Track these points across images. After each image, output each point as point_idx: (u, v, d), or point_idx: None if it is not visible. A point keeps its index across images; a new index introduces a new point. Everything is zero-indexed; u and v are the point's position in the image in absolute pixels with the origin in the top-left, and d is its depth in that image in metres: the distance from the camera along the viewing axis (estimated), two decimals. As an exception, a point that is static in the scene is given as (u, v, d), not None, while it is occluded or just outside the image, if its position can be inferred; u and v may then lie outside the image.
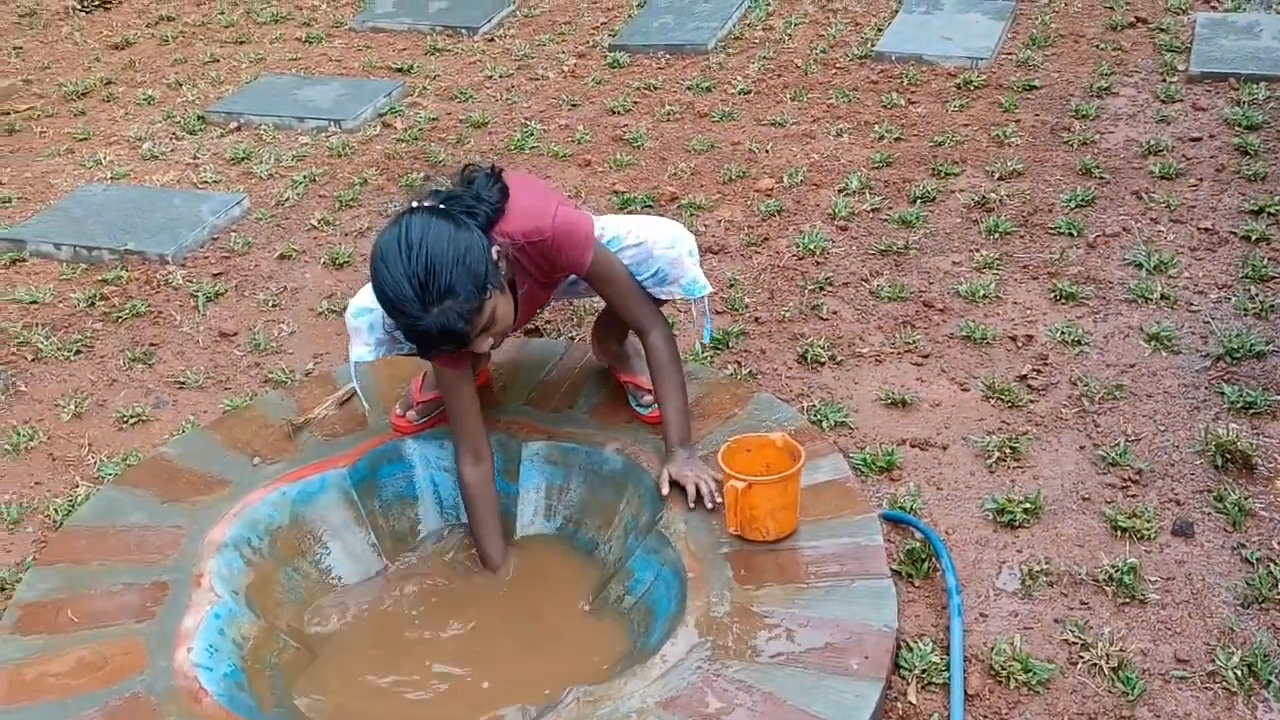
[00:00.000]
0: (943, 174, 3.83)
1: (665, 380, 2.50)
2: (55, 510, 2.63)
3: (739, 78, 4.69)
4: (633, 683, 2.06)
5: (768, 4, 5.41)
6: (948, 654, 2.10)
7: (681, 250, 2.50)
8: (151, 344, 3.25)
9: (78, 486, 2.71)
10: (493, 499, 2.53)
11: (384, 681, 2.26)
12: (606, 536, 2.54)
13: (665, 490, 2.44)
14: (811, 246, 3.45)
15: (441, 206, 2.24)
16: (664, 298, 2.54)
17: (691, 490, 2.41)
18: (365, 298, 2.43)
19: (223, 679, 2.15)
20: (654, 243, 2.48)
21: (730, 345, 3.03)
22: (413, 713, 2.19)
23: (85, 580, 2.36)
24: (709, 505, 2.39)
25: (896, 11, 5.15)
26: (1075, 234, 3.41)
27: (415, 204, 2.25)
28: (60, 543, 2.48)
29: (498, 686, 2.23)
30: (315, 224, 3.84)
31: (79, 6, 6.03)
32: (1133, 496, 2.44)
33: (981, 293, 3.16)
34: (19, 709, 2.08)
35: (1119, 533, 2.35)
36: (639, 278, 2.49)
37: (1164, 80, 4.32)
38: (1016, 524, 2.39)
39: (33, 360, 3.20)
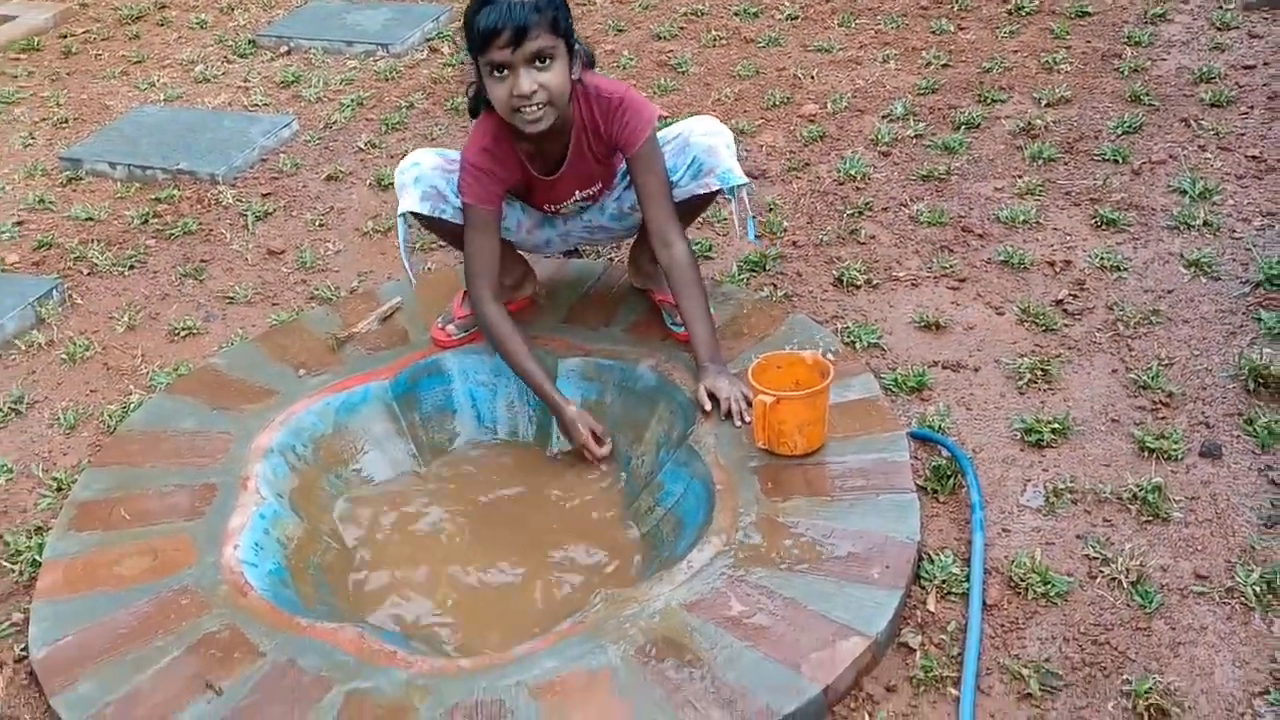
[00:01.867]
0: (989, 100, 3.79)
1: (691, 297, 2.53)
2: (110, 416, 2.73)
3: (786, 3, 4.65)
4: (658, 586, 2.12)
5: (819, -71, 5.33)
6: (968, 566, 2.14)
7: (719, 141, 2.57)
8: (202, 260, 3.33)
9: (131, 394, 2.81)
10: (522, 331, 2.58)
11: (418, 584, 2.34)
12: (639, 450, 2.60)
13: (708, 407, 2.47)
14: (852, 171, 3.45)
15: None
16: (701, 190, 2.58)
17: (724, 406, 2.46)
18: (415, 154, 2.60)
19: (267, 575, 2.24)
20: (691, 131, 2.55)
21: (767, 268, 3.06)
22: (444, 614, 2.27)
23: (138, 481, 2.46)
24: (738, 423, 2.44)
25: (949, -64, 5.05)
26: (1120, 160, 3.37)
27: None
28: (114, 446, 2.58)
29: (528, 588, 2.31)
30: (362, 146, 3.89)
31: (134, -69, 6.07)
32: (1162, 419, 2.45)
33: (1022, 218, 3.15)
34: (76, 599, 2.19)
35: (1146, 453, 2.36)
36: (676, 172, 2.54)
37: (1220, 6, 4.23)
38: (1044, 444, 2.42)
39: (88, 274, 3.30)
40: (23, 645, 2.15)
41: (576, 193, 2.64)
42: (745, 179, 2.58)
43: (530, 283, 2.89)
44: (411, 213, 2.60)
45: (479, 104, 2.51)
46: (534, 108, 2.34)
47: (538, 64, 2.31)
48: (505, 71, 2.32)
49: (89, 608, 2.16)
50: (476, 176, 2.50)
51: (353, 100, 4.19)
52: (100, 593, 2.19)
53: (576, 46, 2.40)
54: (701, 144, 2.54)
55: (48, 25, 5.02)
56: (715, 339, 2.56)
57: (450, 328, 2.79)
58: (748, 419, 2.42)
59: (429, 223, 2.64)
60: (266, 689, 1.98)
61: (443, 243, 2.97)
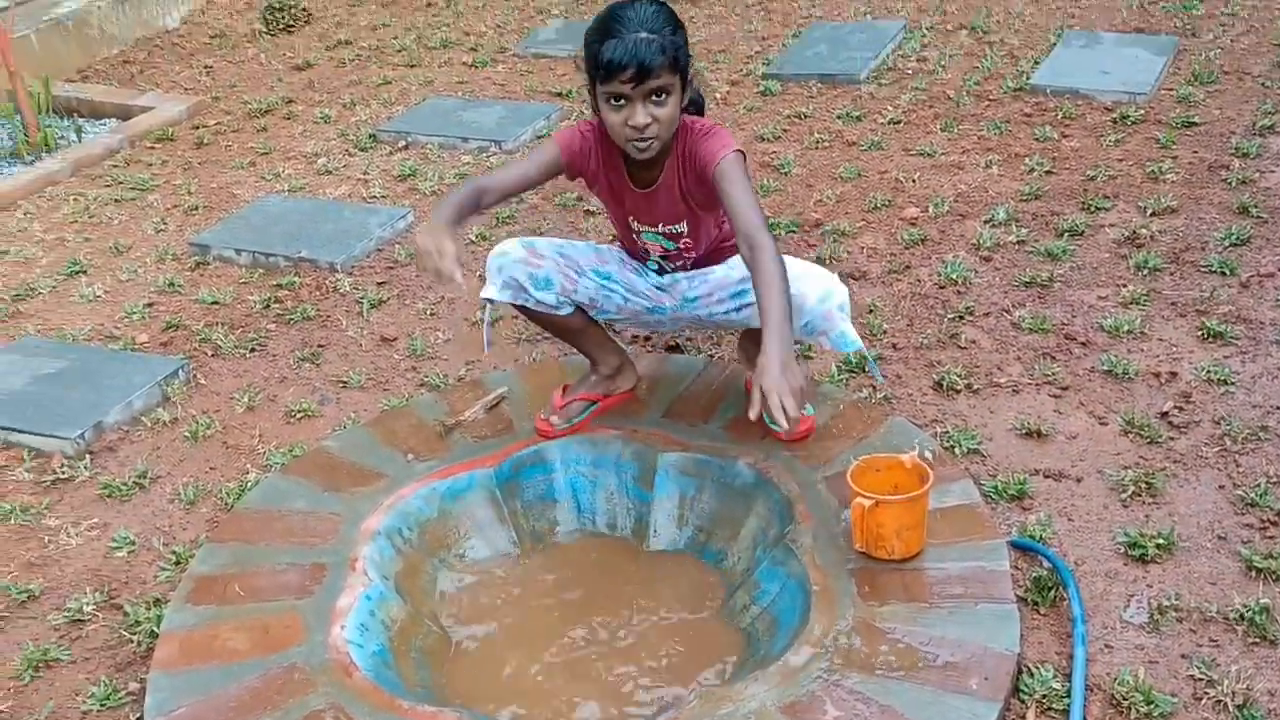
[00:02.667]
0: (1093, 208, 3.80)
1: (772, 285, 2.32)
2: (227, 494, 2.85)
3: (889, 107, 4.73)
4: (754, 686, 2.13)
5: (923, 35, 5.44)
6: (1069, 681, 2.11)
7: (832, 304, 2.59)
8: (319, 345, 3.47)
9: (248, 473, 2.92)
10: (469, 195, 2.59)
11: (516, 670, 2.38)
12: (735, 548, 2.62)
13: (754, 413, 2.24)
14: (954, 276, 3.47)
15: None
16: (808, 342, 2.64)
17: (756, 408, 2.23)
18: (506, 244, 2.72)
19: (372, 656, 2.31)
20: (805, 294, 2.55)
21: (866, 369, 3.08)
22: (541, 701, 2.30)
23: (252, 558, 2.56)
24: (773, 426, 2.28)
25: (1054, 45, 5.11)
26: (1228, 273, 3.35)
27: None
28: (231, 523, 2.69)
29: (623, 683, 2.33)
30: (473, 239, 4.03)
31: (265, 30, 6.42)
32: (1270, 538, 2.41)
33: (1126, 328, 3.14)
34: (190, 671, 2.27)
35: (1254, 573, 2.32)
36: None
37: (1333, 119, 4.21)
38: (1148, 558, 2.39)
39: (212, 356, 3.46)
40: (138, 714, 2.23)
41: (661, 224, 2.66)
42: (859, 343, 2.63)
43: (629, 375, 2.95)
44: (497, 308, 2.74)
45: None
46: (645, 140, 2.45)
47: (654, 99, 2.42)
48: (623, 101, 2.41)
49: (202, 681, 2.24)
50: (582, 137, 2.60)
51: (466, 194, 4.34)
52: (213, 666, 2.27)
53: (690, 78, 2.50)
54: (818, 310, 2.57)
55: (182, 117, 5.32)
56: (788, 323, 2.30)
57: (554, 419, 2.86)
58: (784, 424, 2.21)
59: (519, 308, 2.76)
60: (368, 769, 2.03)
61: (546, 334, 3.07)
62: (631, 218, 2.71)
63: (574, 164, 2.63)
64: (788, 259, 2.47)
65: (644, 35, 2.37)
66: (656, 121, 2.42)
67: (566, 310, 2.75)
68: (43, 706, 2.28)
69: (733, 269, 2.73)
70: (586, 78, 2.48)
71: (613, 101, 2.43)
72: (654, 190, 2.62)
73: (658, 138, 2.46)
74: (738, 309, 2.75)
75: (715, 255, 2.79)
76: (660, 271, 2.82)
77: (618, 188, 2.67)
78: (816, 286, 2.59)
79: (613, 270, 2.78)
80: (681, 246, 2.72)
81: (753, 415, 2.26)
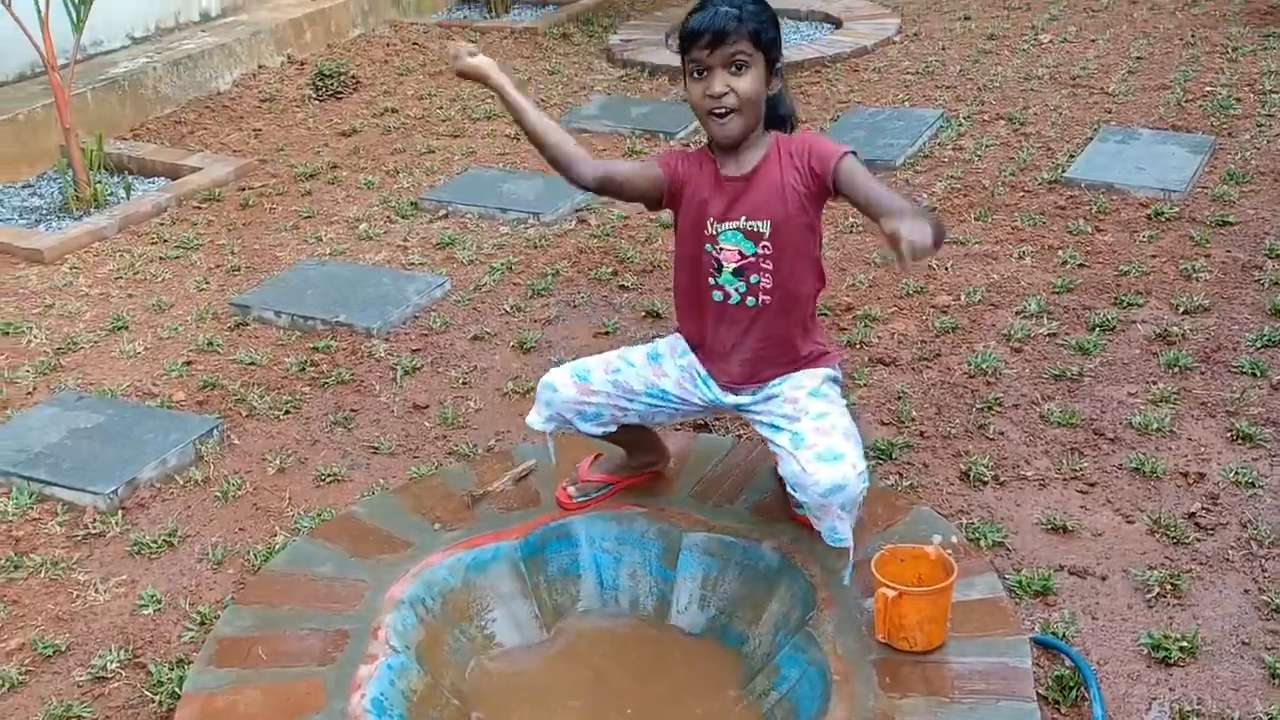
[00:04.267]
0: (1125, 304, 3.82)
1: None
2: (255, 555, 2.88)
3: (924, 194, 4.78)
4: (770, 775, 2.13)
5: (960, 125, 5.51)
6: (1089, 785, 2.10)
7: (835, 500, 2.43)
8: (352, 410, 3.52)
9: (276, 535, 2.96)
10: (561, 136, 2.63)
11: (535, 747, 2.38)
12: (756, 631, 2.62)
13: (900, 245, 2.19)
14: (984, 366, 3.49)
15: None
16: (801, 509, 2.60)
17: (914, 235, 2.19)
18: (558, 376, 2.71)
19: (390, 727, 2.32)
20: (818, 480, 2.42)
21: (894, 456, 3.10)
22: (559, 780, 2.30)
23: (276, 622, 2.58)
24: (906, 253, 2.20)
25: (1090, 139, 5.17)
26: (1259, 374, 3.35)
27: None
28: (257, 586, 2.71)
29: (641, 765, 2.33)
30: (508, 309, 4.09)
31: (314, 95, 6.58)
32: (1297, 646, 2.39)
33: (1155, 426, 3.15)
34: (209, 732, 2.29)
35: (1276, 680, 2.30)
36: (792, 482, 2.51)
37: (1368, 223, 4.22)
38: (1171, 661, 2.37)
39: (247, 416, 3.51)
40: (157, 774, 2.25)
41: (744, 218, 2.54)
42: (848, 542, 2.50)
43: (660, 461, 2.98)
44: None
45: None
46: (724, 111, 2.47)
47: (733, 69, 2.45)
48: (704, 73, 2.47)
49: (221, 743, 2.26)
50: (680, 149, 2.71)
51: (503, 264, 4.42)
52: (233, 729, 2.29)
53: (779, 69, 2.53)
54: (819, 501, 2.44)
55: (229, 178, 5.44)
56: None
57: (571, 490, 2.89)
58: (910, 266, 2.25)
59: None
60: (381, 842, 2.03)
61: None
62: (711, 219, 2.56)
63: (668, 163, 2.63)
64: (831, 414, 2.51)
65: (725, 8, 2.44)
66: (733, 92, 2.46)
67: (606, 431, 2.78)
68: (62, 763, 2.31)
69: (797, 388, 2.60)
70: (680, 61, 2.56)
71: (695, 74, 2.49)
72: (749, 177, 2.54)
73: (738, 111, 2.47)
74: (770, 440, 2.61)
75: (786, 348, 2.64)
76: (726, 301, 2.63)
77: (705, 184, 2.58)
78: (828, 476, 2.41)
79: (668, 387, 2.71)
80: (760, 252, 2.54)
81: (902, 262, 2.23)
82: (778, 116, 2.61)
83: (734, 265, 2.57)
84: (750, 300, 2.59)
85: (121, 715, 2.43)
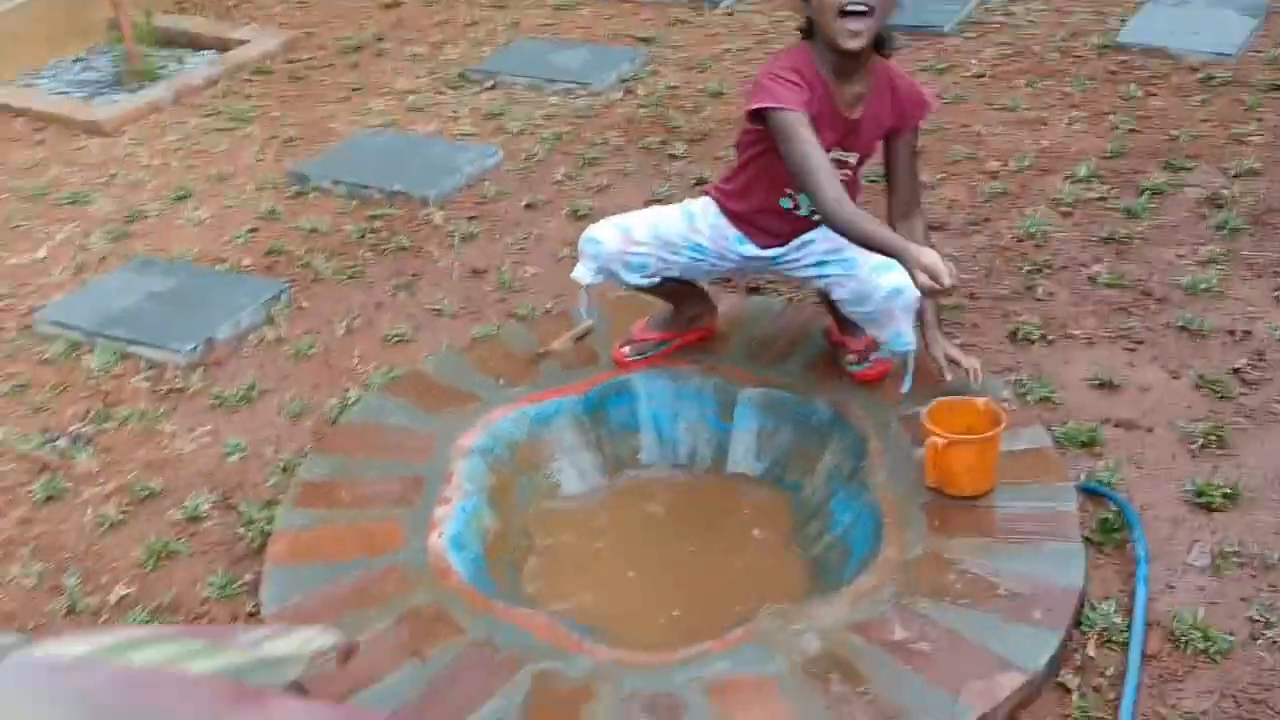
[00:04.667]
0: (1175, 168, 3.83)
1: (917, 232, 2.71)
2: (330, 409, 3.02)
3: (974, 61, 4.75)
4: (826, 606, 2.26)
5: (1011, -10, 5.42)
6: (1130, 616, 2.21)
7: (897, 304, 2.60)
8: (413, 274, 3.62)
9: (349, 391, 3.09)
10: (861, 212, 2.50)
11: (600, 584, 2.53)
12: (810, 481, 2.74)
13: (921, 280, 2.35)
14: (1033, 230, 3.53)
15: None
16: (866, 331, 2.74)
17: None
18: (601, 229, 2.78)
19: (469, 562, 2.47)
20: (879, 285, 2.58)
21: (943, 318, 3.16)
22: (622, 610, 2.45)
23: (354, 468, 2.72)
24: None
25: (1143, 2, 5.09)
26: (1309, 236, 3.38)
27: None
28: (334, 436, 2.85)
29: (700, 600, 2.47)
30: (559, 179, 4.15)
31: (356, -33, 6.53)
32: (1336, 492, 2.48)
33: (1203, 286, 3.19)
34: (301, 567, 2.45)
35: (1317, 524, 2.40)
36: (852, 303, 2.69)
37: None
38: (1214, 507, 2.47)
39: (313, 281, 3.62)
40: (253, 603, 2.41)
41: (839, 149, 2.61)
42: (914, 345, 2.69)
43: (710, 317, 3.06)
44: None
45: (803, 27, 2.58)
46: (860, 15, 2.40)
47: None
48: None
49: (312, 576, 2.42)
50: (784, 84, 2.46)
51: (552, 135, 4.46)
52: (322, 563, 2.45)
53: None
54: (882, 305, 2.61)
55: (278, 50, 5.46)
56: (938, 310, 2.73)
57: (626, 349, 2.99)
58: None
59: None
60: (466, 661, 2.19)
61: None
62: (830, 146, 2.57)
63: (804, 107, 2.49)
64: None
65: None
66: (868, 26, 2.41)
67: (651, 283, 2.85)
68: (165, 592, 2.47)
69: (827, 237, 2.69)
70: None
71: None
72: (858, 120, 2.60)
73: (872, 12, 2.42)
74: (819, 276, 2.77)
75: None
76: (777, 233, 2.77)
77: (823, 118, 2.53)
78: (889, 280, 2.56)
79: (704, 242, 2.78)
80: (850, 162, 2.67)
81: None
82: (878, 36, 2.52)
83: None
84: (816, 213, 2.62)
85: (216, 550, 2.60)
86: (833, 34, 2.46)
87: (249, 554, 2.56)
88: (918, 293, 2.50)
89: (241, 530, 2.63)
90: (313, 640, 1.01)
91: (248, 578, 2.50)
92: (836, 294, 2.74)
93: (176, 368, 3.21)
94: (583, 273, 2.84)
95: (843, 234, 2.49)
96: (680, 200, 2.97)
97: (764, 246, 2.79)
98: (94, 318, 3.37)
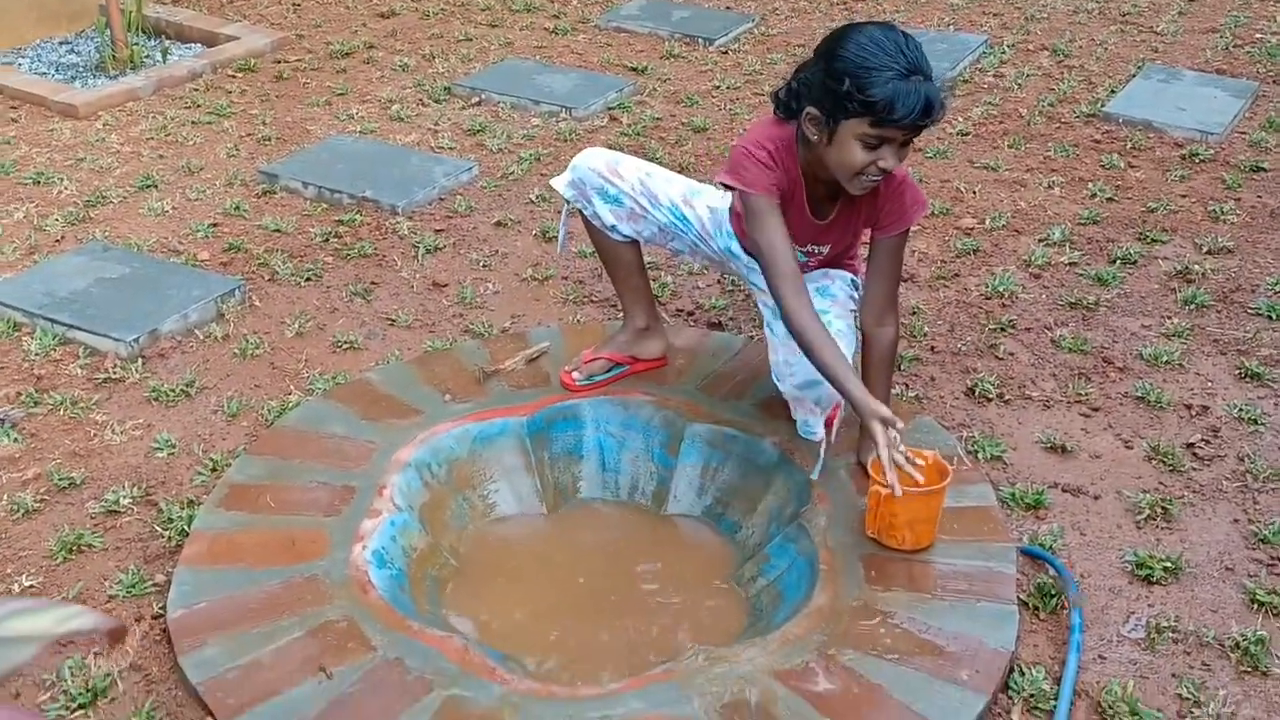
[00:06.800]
0: (1149, 240, 3.81)
1: (881, 372, 2.62)
2: (268, 411, 2.94)
3: (960, 119, 4.75)
4: (751, 650, 2.20)
5: (1003, 53, 5.44)
6: (1059, 684, 2.16)
7: (810, 396, 2.59)
8: (372, 282, 3.56)
9: (291, 394, 3.02)
10: (829, 337, 2.42)
11: (524, 611, 2.46)
12: (750, 521, 2.68)
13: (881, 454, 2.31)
14: (1001, 289, 3.50)
15: None
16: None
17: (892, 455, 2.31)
18: (593, 150, 2.81)
19: (389, 579, 2.40)
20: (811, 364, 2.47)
21: (902, 368, 3.13)
22: (544, 643, 2.38)
23: (286, 473, 2.65)
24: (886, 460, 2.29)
25: (1134, 76, 5.10)
26: (1274, 316, 3.36)
27: None
28: (270, 439, 2.78)
29: (626, 636, 2.41)
30: (533, 199, 4.11)
31: (355, -25, 6.51)
32: (1277, 574, 2.43)
33: (1165, 358, 3.16)
34: (216, 570, 2.37)
35: (1256, 606, 2.35)
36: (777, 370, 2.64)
37: (1403, 179, 4.18)
38: (1154, 580, 2.42)
39: (269, 281, 3.56)
40: (161, 605, 2.33)
41: (811, 245, 2.62)
42: (819, 435, 2.62)
43: (657, 342, 2.99)
44: (575, 206, 2.83)
45: (790, 109, 2.45)
46: (876, 182, 2.38)
47: (904, 145, 2.33)
48: (879, 144, 2.29)
49: (225, 580, 2.34)
50: (755, 162, 2.42)
51: (531, 155, 4.42)
52: (238, 569, 2.37)
53: None
54: (791, 393, 2.62)
55: (265, 50, 5.42)
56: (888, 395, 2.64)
57: (576, 374, 2.94)
58: (894, 482, 2.29)
59: (583, 220, 2.83)
60: (373, 681, 2.12)
61: (597, 295, 3.12)
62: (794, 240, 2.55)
63: (777, 193, 2.46)
64: (830, 314, 2.58)
65: (938, 94, 2.25)
66: (900, 166, 2.34)
67: (619, 237, 2.80)
68: (71, 586, 2.39)
69: (812, 281, 2.63)
70: (828, 103, 2.30)
71: (868, 141, 2.29)
72: (830, 223, 2.57)
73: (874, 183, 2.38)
74: (769, 324, 2.72)
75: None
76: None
77: (792, 213, 2.51)
78: (809, 370, 2.49)
79: (692, 219, 2.76)
80: (810, 262, 2.68)
81: (877, 457, 2.33)
82: None
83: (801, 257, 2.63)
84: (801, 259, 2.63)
85: (131, 547, 2.51)
86: (842, 179, 2.38)
87: (164, 553, 2.48)
88: (834, 393, 2.46)
89: (159, 529, 2.55)
90: (69, 620, 0.94)
91: (159, 578, 2.41)
92: (769, 355, 2.69)
93: (117, 357, 3.13)
94: (560, 179, 2.82)
95: (799, 346, 2.43)
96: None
97: (748, 251, 2.72)
98: (39, 299, 3.30)
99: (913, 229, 3.66)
